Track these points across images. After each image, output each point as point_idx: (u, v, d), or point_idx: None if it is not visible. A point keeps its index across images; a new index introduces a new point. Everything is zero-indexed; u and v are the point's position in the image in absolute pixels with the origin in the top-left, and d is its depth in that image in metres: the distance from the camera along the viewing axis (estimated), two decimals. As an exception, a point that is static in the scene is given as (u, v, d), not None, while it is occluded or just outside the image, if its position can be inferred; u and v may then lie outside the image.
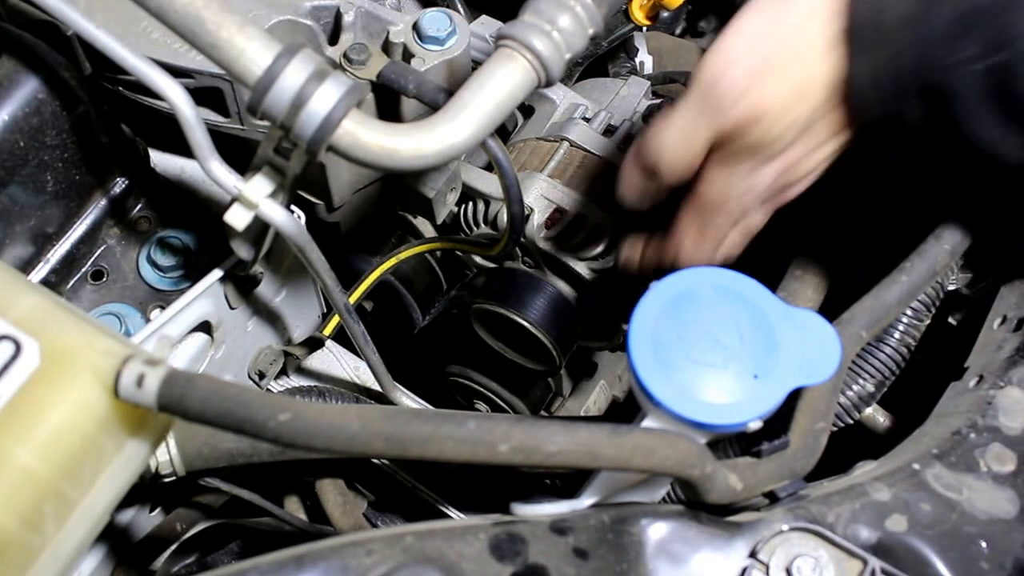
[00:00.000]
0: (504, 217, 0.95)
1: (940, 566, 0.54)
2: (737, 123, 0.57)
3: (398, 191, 0.91)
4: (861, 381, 0.71)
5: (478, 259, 1.06)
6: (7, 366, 0.49)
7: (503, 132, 1.14)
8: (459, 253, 1.08)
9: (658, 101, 1.08)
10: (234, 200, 0.61)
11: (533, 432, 0.49)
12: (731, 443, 0.71)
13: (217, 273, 0.74)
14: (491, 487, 0.89)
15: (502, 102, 0.61)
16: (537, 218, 0.96)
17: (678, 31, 1.34)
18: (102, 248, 0.80)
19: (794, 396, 0.59)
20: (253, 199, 0.61)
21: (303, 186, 0.84)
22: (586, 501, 0.58)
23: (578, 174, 0.99)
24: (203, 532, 0.89)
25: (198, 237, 0.80)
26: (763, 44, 0.57)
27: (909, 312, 0.71)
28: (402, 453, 0.49)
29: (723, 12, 1.35)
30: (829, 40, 0.55)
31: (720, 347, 0.52)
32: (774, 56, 0.56)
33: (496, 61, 0.62)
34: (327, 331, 0.93)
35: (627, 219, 0.70)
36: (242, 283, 0.78)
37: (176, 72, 0.69)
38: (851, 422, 0.73)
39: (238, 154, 0.65)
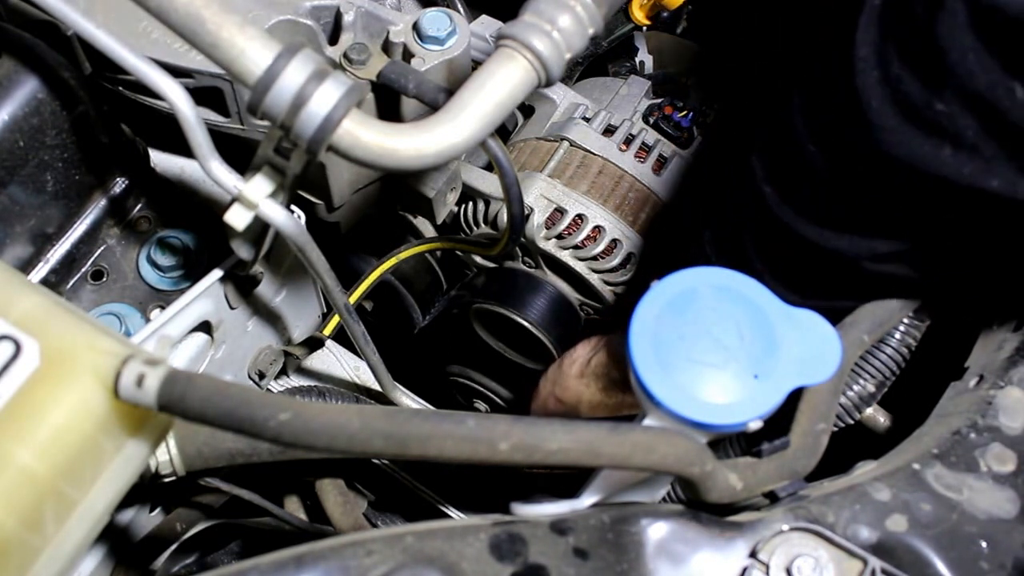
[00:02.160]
0: (504, 217, 0.95)
1: (940, 566, 0.54)
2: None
3: (398, 191, 0.91)
4: (862, 381, 0.71)
5: (478, 259, 1.06)
6: (7, 366, 0.49)
7: (503, 132, 1.14)
8: (459, 253, 1.08)
9: (658, 101, 1.08)
10: (234, 200, 0.61)
11: (533, 430, 0.49)
12: (732, 443, 0.71)
13: (217, 273, 0.74)
14: (491, 487, 0.89)
15: (502, 102, 0.61)
16: (537, 218, 0.96)
17: (678, 31, 1.34)
18: (102, 248, 0.80)
19: (795, 396, 0.59)
20: (253, 199, 0.61)
21: (303, 186, 0.84)
22: (586, 501, 0.58)
23: (578, 174, 0.99)
24: (203, 532, 0.89)
25: (198, 237, 0.80)
26: (554, 402, 0.90)
27: (910, 312, 0.71)
28: (402, 452, 0.49)
29: (723, 12, 1.34)
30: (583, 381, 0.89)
31: (720, 347, 0.52)
32: (563, 406, 0.89)
33: (496, 61, 0.62)
34: (327, 331, 0.93)
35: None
36: (242, 283, 0.78)
37: (176, 72, 0.69)
38: (851, 422, 0.73)
39: (238, 154, 0.65)
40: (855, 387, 0.71)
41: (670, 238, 0.99)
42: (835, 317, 0.68)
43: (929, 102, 0.51)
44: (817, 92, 0.60)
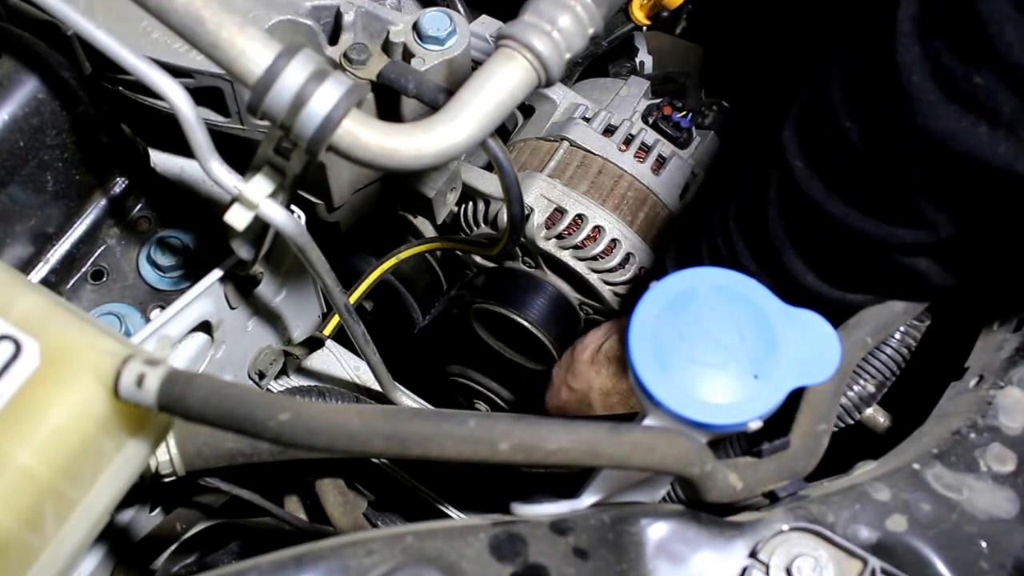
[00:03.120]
0: (504, 217, 0.95)
1: (940, 566, 0.54)
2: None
3: (398, 191, 0.91)
4: (862, 382, 0.71)
5: (478, 259, 1.06)
6: (7, 366, 0.49)
7: (503, 132, 1.14)
8: (459, 253, 1.08)
9: (657, 101, 1.08)
10: (234, 200, 0.61)
11: (533, 430, 0.49)
12: (732, 443, 0.71)
13: (217, 273, 0.74)
14: (491, 487, 0.89)
15: (502, 102, 0.61)
16: (537, 218, 0.96)
17: (678, 31, 1.34)
18: (102, 248, 0.80)
19: (795, 396, 0.59)
20: (253, 199, 0.61)
21: (303, 186, 0.84)
22: (586, 501, 0.58)
23: (578, 174, 0.99)
24: (203, 532, 0.89)
25: (198, 237, 0.80)
26: (567, 391, 0.93)
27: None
28: (402, 452, 0.49)
29: (723, 12, 1.34)
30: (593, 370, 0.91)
31: (720, 347, 0.52)
32: (575, 394, 0.92)
33: (496, 61, 0.62)
34: (327, 331, 0.93)
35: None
36: (242, 283, 0.78)
37: (176, 72, 0.69)
38: (852, 422, 0.73)
39: (238, 154, 0.65)
40: (855, 387, 0.71)
41: (667, 236, 1.00)
42: (845, 314, 0.68)
43: (968, 75, 0.50)
44: (857, 66, 0.59)
